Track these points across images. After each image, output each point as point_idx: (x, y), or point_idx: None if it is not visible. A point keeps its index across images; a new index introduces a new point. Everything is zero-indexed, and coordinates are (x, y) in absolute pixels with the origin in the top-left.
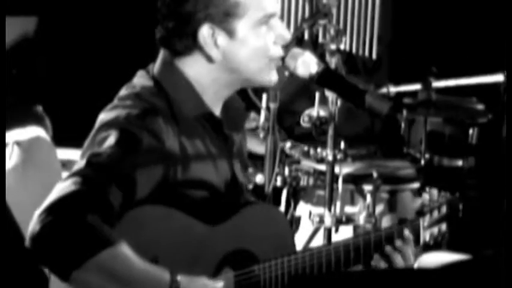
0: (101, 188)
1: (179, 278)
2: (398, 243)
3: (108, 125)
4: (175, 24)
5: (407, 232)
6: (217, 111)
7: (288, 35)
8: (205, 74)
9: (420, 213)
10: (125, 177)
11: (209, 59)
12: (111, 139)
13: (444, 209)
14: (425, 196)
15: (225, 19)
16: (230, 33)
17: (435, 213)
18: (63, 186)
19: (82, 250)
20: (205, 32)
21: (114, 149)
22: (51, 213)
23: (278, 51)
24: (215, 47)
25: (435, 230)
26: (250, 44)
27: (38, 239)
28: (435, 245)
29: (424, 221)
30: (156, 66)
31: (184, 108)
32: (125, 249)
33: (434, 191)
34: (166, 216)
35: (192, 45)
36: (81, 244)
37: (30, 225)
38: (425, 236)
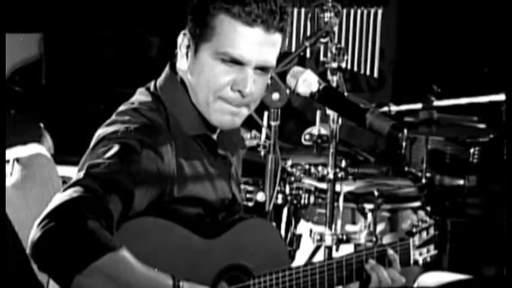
0: (101, 196)
1: (181, 283)
2: (371, 262)
3: (107, 139)
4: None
5: (391, 251)
6: (214, 134)
7: (246, 90)
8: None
9: (410, 233)
10: (124, 188)
11: (174, 66)
12: (110, 152)
13: (432, 231)
14: (414, 217)
15: (197, 36)
16: (196, 51)
17: (424, 234)
18: (63, 194)
19: (84, 254)
20: (181, 37)
21: (113, 160)
22: (52, 219)
23: (232, 96)
24: (185, 57)
25: (424, 250)
26: (204, 70)
27: (39, 245)
28: (431, 264)
29: (414, 241)
30: (159, 80)
31: (183, 125)
32: (127, 254)
33: (422, 213)
34: (164, 228)
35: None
36: (83, 248)
37: (31, 233)
38: (415, 255)
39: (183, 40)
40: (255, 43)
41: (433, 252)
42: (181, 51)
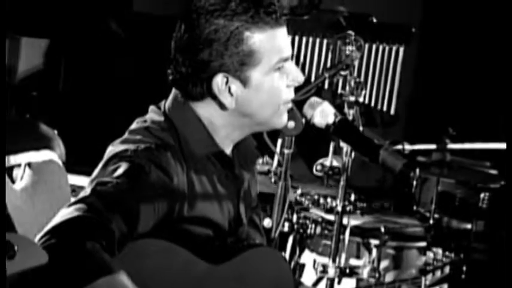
0: (104, 216)
1: None
2: None
3: (117, 157)
4: (189, 71)
5: None
6: (227, 150)
7: (301, 77)
8: (217, 117)
9: (423, 271)
10: (129, 208)
11: (222, 106)
12: (119, 170)
13: (447, 270)
14: (430, 255)
15: (239, 68)
16: (244, 81)
17: (438, 273)
18: (67, 211)
19: (79, 276)
20: (219, 81)
21: (121, 179)
22: (52, 237)
23: (291, 94)
24: (229, 95)
25: None
26: (265, 90)
27: None
28: None
29: (426, 279)
30: (167, 103)
31: (195, 145)
32: (124, 279)
33: (439, 251)
34: (169, 251)
35: (205, 92)
36: (78, 270)
37: None
38: None
39: (222, 83)
40: (286, 37)
41: None
42: (223, 94)
